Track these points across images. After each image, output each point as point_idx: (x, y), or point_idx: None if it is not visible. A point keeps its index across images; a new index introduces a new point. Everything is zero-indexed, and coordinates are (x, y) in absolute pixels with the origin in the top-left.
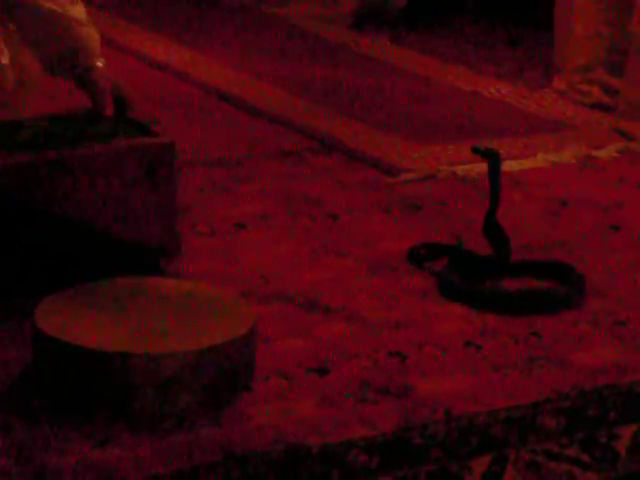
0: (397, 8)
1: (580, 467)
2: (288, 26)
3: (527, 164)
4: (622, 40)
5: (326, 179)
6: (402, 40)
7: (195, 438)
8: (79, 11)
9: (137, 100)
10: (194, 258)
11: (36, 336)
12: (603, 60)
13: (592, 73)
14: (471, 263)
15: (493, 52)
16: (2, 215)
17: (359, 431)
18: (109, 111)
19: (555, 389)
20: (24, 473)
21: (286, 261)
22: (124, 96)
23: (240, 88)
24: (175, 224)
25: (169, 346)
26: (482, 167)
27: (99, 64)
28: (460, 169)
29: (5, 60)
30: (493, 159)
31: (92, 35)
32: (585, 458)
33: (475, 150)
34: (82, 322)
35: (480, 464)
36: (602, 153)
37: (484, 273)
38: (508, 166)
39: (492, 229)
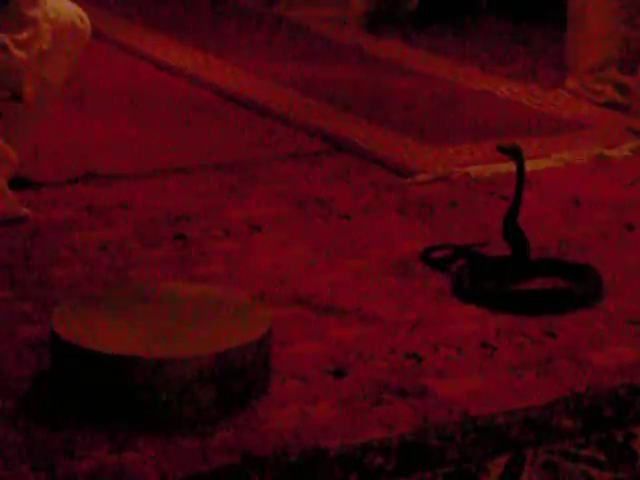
0: (408, 9)
1: (597, 467)
2: (300, 28)
3: (541, 164)
4: (635, 39)
5: (340, 181)
6: (414, 41)
7: (212, 441)
8: None
9: None
10: (209, 261)
11: (53, 341)
12: (616, 59)
13: (605, 72)
14: (488, 264)
15: (505, 52)
16: None
17: (376, 433)
18: None
19: (571, 389)
20: (42, 478)
21: (301, 263)
22: None
23: (253, 90)
24: None
25: (185, 350)
26: (495, 168)
27: None
28: (473, 170)
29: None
30: (520, 156)
31: None
32: (602, 458)
33: (500, 148)
34: (98, 327)
35: (497, 465)
36: (616, 152)
37: (501, 274)
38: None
39: (512, 230)
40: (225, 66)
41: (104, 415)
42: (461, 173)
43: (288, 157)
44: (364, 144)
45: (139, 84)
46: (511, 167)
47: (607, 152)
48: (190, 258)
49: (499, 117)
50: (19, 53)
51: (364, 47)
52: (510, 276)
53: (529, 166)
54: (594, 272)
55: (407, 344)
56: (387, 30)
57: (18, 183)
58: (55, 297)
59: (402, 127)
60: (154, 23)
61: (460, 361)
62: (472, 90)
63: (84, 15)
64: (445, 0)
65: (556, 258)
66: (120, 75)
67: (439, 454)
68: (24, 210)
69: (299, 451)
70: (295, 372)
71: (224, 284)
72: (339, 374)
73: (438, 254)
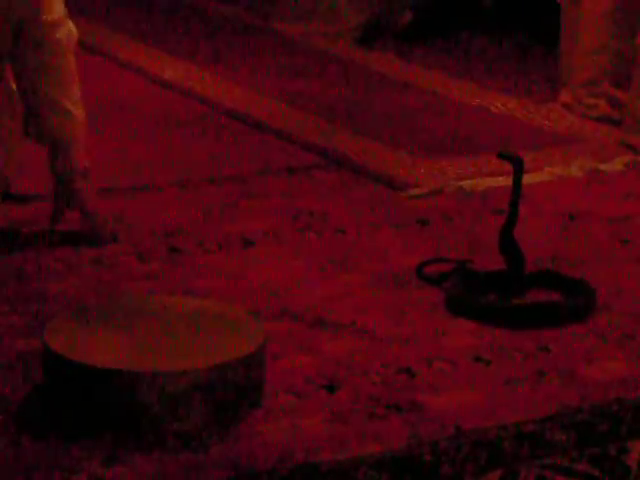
0: (402, 23)
1: None
2: (295, 43)
3: (534, 178)
4: (628, 53)
5: (334, 195)
6: (408, 55)
7: (204, 455)
8: None
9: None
10: (202, 275)
11: (45, 354)
12: (609, 73)
13: (598, 86)
14: (482, 278)
15: (499, 66)
16: None
17: (369, 448)
18: None
19: (565, 403)
20: None
21: (295, 277)
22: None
23: (247, 105)
24: None
25: (178, 364)
26: (489, 182)
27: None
28: (467, 184)
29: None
30: (518, 165)
31: None
32: (596, 473)
33: (501, 155)
34: (90, 340)
35: None
36: (609, 166)
37: (495, 288)
38: None
39: (508, 244)
40: (219, 80)
41: (96, 429)
42: (455, 187)
43: (282, 171)
44: (358, 158)
45: (132, 97)
46: (505, 181)
47: (601, 166)
48: (184, 272)
49: (493, 131)
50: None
51: (358, 61)
52: (505, 290)
53: (523, 180)
54: (587, 286)
55: (400, 358)
56: (381, 44)
57: (9, 197)
58: (48, 311)
59: (396, 141)
60: (147, 36)
61: (453, 375)
62: (466, 104)
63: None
64: (439, 14)
65: (550, 270)
66: (113, 88)
67: (432, 469)
68: None
69: (291, 465)
70: (288, 386)
71: (218, 298)
72: (332, 388)
73: (432, 269)
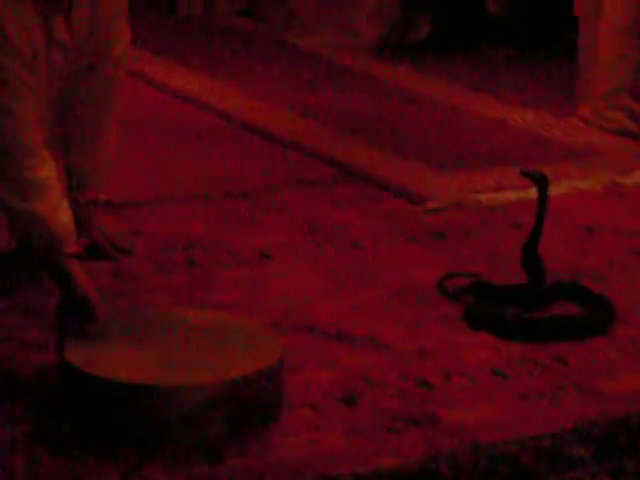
0: (419, 36)
1: None
2: (311, 55)
3: (553, 191)
4: None
5: (351, 208)
6: (426, 67)
7: (224, 469)
8: None
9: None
10: (221, 289)
11: (63, 368)
12: (628, 86)
13: (617, 99)
14: (503, 292)
15: (517, 79)
16: None
17: (387, 461)
18: None
19: (583, 417)
20: None
21: (313, 291)
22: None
23: (264, 118)
24: None
25: (196, 378)
26: (507, 196)
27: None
28: (485, 197)
29: None
30: (542, 183)
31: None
32: None
33: (524, 173)
34: (109, 354)
35: None
36: (628, 180)
37: (515, 302)
38: (533, 194)
39: (531, 258)
40: (237, 93)
41: (114, 442)
42: (473, 200)
43: (299, 184)
44: (376, 171)
45: (150, 110)
46: (523, 195)
47: (619, 179)
48: (202, 285)
49: (511, 144)
50: None
51: (376, 74)
52: (525, 304)
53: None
54: (606, 300)
55: (418, 372)
56: (399, 57)
57: None
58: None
59: (414, 154)
60: (164, 50)
61: (471, 389)
62: (484, 117)
63: None
64: (456, 27)
65: (569, 282)
66: (131, 101)
67: None
68: None
69: (310, 479)
70: (306, 400)
71: (235, 311)
72: (350, 402)
73: (451, 283)
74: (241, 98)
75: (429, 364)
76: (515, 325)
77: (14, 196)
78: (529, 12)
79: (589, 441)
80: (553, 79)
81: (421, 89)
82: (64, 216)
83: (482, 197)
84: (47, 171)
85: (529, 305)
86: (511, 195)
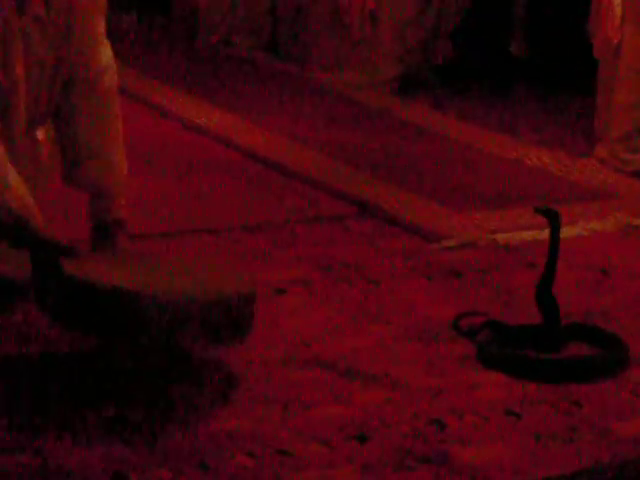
0: (436, 77)
1: None
2: (330, 92)
3: (568, 232)
4: None
5: (366, 245)
6: (444, 106)
7: None
8: None
9: None
10: None
11: (59, 278)
12: None
13: (633, 141)
14: (517, 332)
15: (535, 119)
16: None
17: None
18: None
19: (596, 459)
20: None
21: (326, 327)
22: None
23: (281, 153)
24: None
25: (178, 289)
26: (523, 235)
27: None
28: (501, 237)
29: (40, 136)
30: (555, 219)
31: None
32: None
33: (537, 210)
34: (100, 269)
35: None
36: None
37: (530, 342)
38: (548, 234)
39: (546, 297)
40: (254, 128)
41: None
42: (488, 240)
43: (314, 220)
44: (391, 208)
45: (167, 143)
46: (539, 235)
47: (635, 221)
48: None
49: (527, 184)
50: None
51: (393, 111)
52: (540, 344)
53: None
54: (620, 341)
55: (431, 410)
56: (417, 95)
57: None
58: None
59: (430, 192)
60: (182, 83)
61: (484, 428)
62: (501, 157)
63: None
64: (479, 67)
65: (583, 324)
66: (148, 134)
67: None
68: None
69: None
70: (318, 435)
71: (250, 346)
72: (362, 439)
73: (464, 322)
74: (260, 133)
75: (442, 402)
76: (530, 365)
77: None
78: (550, 54)
79: None
80: (571, 120)
81: (439, 127)
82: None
83: (497, 237)
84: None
85: (544, 346)
86: (526, 235)
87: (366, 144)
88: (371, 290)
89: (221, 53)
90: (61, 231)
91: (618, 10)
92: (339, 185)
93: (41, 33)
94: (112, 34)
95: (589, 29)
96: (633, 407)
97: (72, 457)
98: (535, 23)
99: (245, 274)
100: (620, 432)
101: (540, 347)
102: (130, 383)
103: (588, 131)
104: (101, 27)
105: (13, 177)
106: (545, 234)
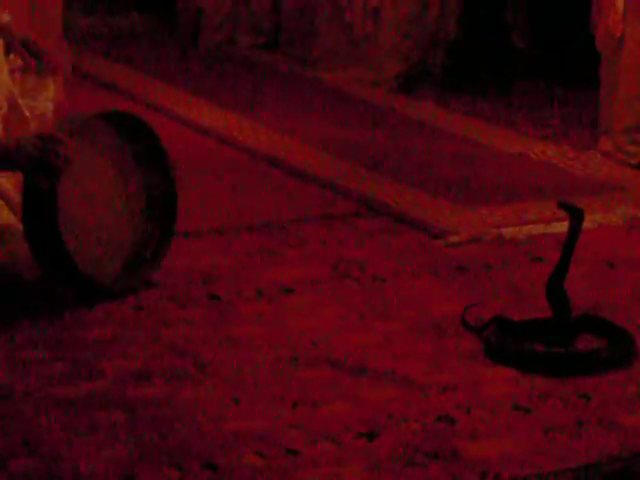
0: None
1: None
2: (334, 90)
3: None
4: None
5: (372, 242)
6: (447, 102)
7: None
8: None
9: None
10: (241, 322)
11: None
12: None
13: (638, 134)
14: (526, 326)
15: (539, 113)
16: None
17: None
18: None
19: (605, 452)
20: None
21: (334, 325)
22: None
23: (286, 152)
24: None
25: None
26: (528, 230)
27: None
28: (506, 231)
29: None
30: (577, 217)
31: None
32: None
33: (561, 205)
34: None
35: None
36: None
37: (540, 336)
38: (554, 228)
39: (557, 291)
40: (258, 127)
41: None
42: (494, 234)
43: (321, 218)
44: (397, 206)
45: (172, 144)
46: (544, 229)
47: None
48: (223, 319)
49: (532, 178)
50: None
51: (398, 109)
52: (549, 338)
53: (562, 228)
54: (628, 334)
55: (440, 406)
56: (421, 92)
57: None
58: (90, 357)
59: (435, 188)
60: (186, 84)
61: (493, 423)
62: (506, 152)
63: None
64: (482, 60)
65: (592, 316)
66: None
67: None
68: None
69: None
70: (327, 433)
71: (258, 345)
72: (371, 436)
73: (476, 316)
74: (264, 132)
75: (450, 398)
76: (538, 360)
77: None
78: (553, 46)
79: (610, 475)
80: (575, 113)
81: (443, 123)
82: None
83: (503, 231)
84: None
85: (555, 340)
86: (532, 229)
87: (371, 142)
88: (378, 287)
89: (224, 52)
90: None
91: (620, 3)
92: (345, 183)
93: None
94: (114, 35)
95: (592, 21)
96: None
97: (81, 459)
98: (537, 15)
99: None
100: (628, 425)
101: (551, 341)
102: (138, 384)
103: (592, 124)
104: None
105: None
106: (550, 228)
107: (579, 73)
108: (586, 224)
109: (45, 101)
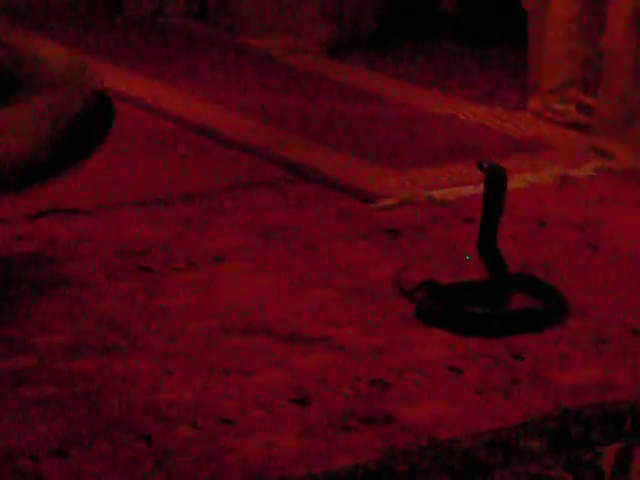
0: (369, 31)
1: None
2: (262, 57)
3: None
4: (596, 58)
5: (303, 209)
6: (377, 66)
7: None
8: None
9: None
10: (172, 292)
11: None
12: (578, 79)
13: (567, 92)
14: (459, 288)
15: (469, 76)
16: None
17: (342, 461)
18: None
19: (538, 410)
20: None
21: (266, 292)
22: None
23: (214, 120)
24: None
25: None
26: (459, 191)
27: None
28: (437, 193)
29: None
30: (493, 176)
31: None
32: (569, 479)
33: (479, 166)
34: None
35: None
36: (579, 172)
37: (475, 297)
38: None
39: (491, 250)
40: (187, 95)
41: None
42: (426, 197)
43: (251, 186)
44: (327, 171)
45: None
46: (475, 190)
47: (571, 172)
48: (154, 290)
49: (462, 140)
50: None
51: (327, 74)
52: (487, 298)
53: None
54: (558, 292)
55: (373, 371)
56: (350, 57)
57: None
58: (20, 335)
59: (365, 153)
60: (113, 54)
61: (426, 386)
62: (435, 114)
63: None
64: (409, 24)
65: (523, 274)
66: None
67: None
68: None
69: None
70: (259, 401)
71: (190, 315)
72: (304, 402)
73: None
74: (192, 101)
75: (384, 362)
76: (470, 320)
77: None
78: (480, 7)
79: (544, 434)
80: (503, 73)
81: (373, 87)
82: None
83: (435, 193)
84: None
85: (491, 300)
86: (464, 190)
87: (300, 108)
88: (310, 254)
89: (150, 23)
90: None
91: None
92: (275, 149)
93: None
94: (32, 7)
95: None
96: (573, 358)
97: (11, 435)
98: None
99: None
100: (561, 382)
101: (486, 301)
102: (69, 359)
103: (521, 84)
104: None
105: None
106: (482, 189)
107: (507, 33)
108: (516, 184)
109: None
